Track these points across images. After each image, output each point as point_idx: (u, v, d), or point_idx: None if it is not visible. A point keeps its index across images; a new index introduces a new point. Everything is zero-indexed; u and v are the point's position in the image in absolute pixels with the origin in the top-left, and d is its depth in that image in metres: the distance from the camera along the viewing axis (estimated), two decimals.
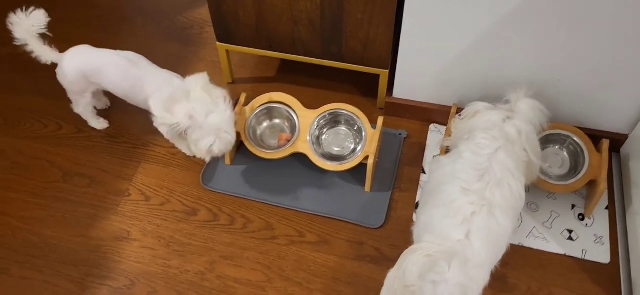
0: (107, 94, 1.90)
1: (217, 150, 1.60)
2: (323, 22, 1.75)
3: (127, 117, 1.93)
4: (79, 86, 1.73)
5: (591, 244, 1.65)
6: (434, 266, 1.19)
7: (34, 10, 1.62)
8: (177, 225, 1.69)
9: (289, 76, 2.08)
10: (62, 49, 1.71)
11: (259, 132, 1.83)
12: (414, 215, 1.72)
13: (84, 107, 1.81)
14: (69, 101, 1.87)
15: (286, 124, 1.84)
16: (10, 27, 1.62)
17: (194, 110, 1.54)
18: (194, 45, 2.18)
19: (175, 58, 2.12)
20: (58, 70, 1.71)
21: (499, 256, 1.35)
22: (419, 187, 1.78)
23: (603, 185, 1.62)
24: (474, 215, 1.30)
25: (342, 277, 1.59)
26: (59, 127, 1.92)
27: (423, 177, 1.80)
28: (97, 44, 1.75)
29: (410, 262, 1.20)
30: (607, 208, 1.73)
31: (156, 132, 1.86)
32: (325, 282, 1.58)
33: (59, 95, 1.97)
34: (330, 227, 1.69)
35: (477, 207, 1.31)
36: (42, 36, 1.66)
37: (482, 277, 1.28)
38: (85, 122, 1.89)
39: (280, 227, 1.69)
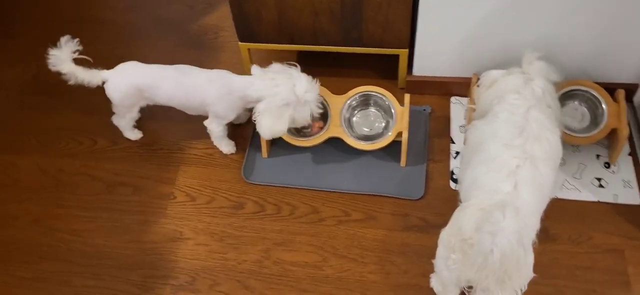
0: None
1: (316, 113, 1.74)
2: (343, 10, 1.82)
3: (158, 125, 1.98)
4: (130, 101, 1.78)
5: (620, 188, 1.75)
6: (489, 218, 1.25)
7: (64, 40, 1.68)
8: (227, 220, 1.74)
9: (308, 68, 2.10)
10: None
11: None
12: (451, 183, 1.79)
13: (127, 120, 1.86)
14: (101, 116, 1.91)
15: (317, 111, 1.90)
16: (54, 68, 1.69)
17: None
18: (212, 50, 2.23)
19: (196, 64, 2.14)
20: (108, 86, 1.75)
21: (545, 204, 1.42)
22: (450, 156, 1.86)
23: (625, 131, 1.72)
24: (519, 168, 1.37)
25: (393, 248, 1.66)
26: (93, 143, 1.95)
27: (453, 147, 1.88)
28: (120, 59, 1.80)
29: (465, 217, 1.26)
30: (630, 154, 1.83)
31: (190, 136, 1.93)
32: (378, 255, 1.64)
33: (89, 111, 2.03)
34: (374, 204, 1.75)
35: (521, 160, 1.38)
36: (82, 61, 1.73)
37: (533, 225, 1.36)
38: (119, 135, 1.94)
39: (325, 209, 1.75)
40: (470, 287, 1.34)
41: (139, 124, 1.96)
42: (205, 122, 1.79)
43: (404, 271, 1.61)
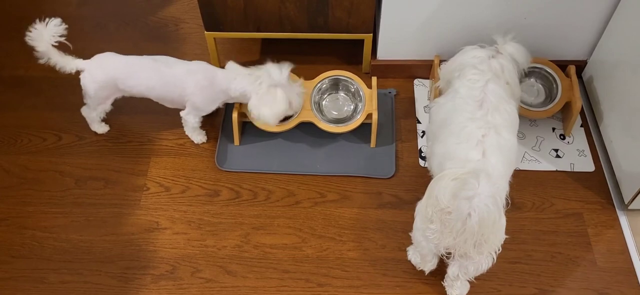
0: None
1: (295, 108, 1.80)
2: None
3: (126, 118, 1.95)
4: (106, 92, 1.74)
5: (576, 157, 1.87)
6: (464, 185, 1.30)
7: (49, 20, 1.62)
8: (203, 207, 1.74)
9: (273, 56, 2.12)
10: (40, 63, 1.70)
11: None
12: (420, 161, 1.86)
13: (98, 112, 1.82)
14: (64, 112, 1.87)
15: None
16: (31, 42, 1.63)
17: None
18: (174, 42, 2.21)
19: None
20: (84, 76, 1.71)
21: (512, 168, 1.51)
22: (418, 135, 1.93)
23: (578, 103, 1.83)
24: (485, 136, 1.45)
25: (369, 225, 1.70)
26: (58, 138, 1.90)
27: (419, 127, 1.95)
28: (79, 55, 1.74)
29: (440, 188, 1.32)
30: (582, 126, 1.95)
31: (159, 127, 1.92)
32: (356, 232, 1.69)
33: (51, 108, 1.98)
34: (347, 184, 1.80)
35: (485, 129, 1.47)
36: (62, 46, 1.68)
37: (504, 188, 1.44)
38: (85, 130, 1.90)
39: (301, 192, 1.78)
40: (449, 254, 1.40)
41: (106, 117, 1.93)
42: (182, 113, 1.79)
43: (381, 246, 1.66)
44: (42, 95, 2.01)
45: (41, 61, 1.67)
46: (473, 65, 1.63)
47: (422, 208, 1.42)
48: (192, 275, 1.60)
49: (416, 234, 1.49)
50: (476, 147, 1.44)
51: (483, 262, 1.41)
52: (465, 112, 1.53)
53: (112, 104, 1.81)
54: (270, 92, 1.69)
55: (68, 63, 1.68)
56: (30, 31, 1.62)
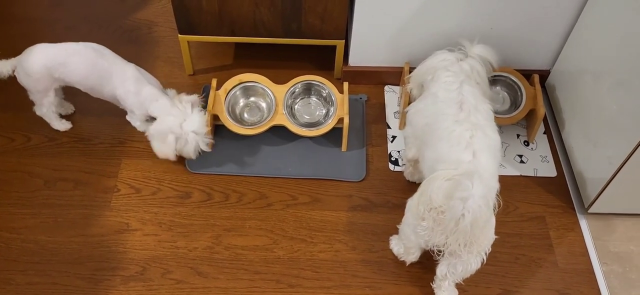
0: (70, 98, 1.91)
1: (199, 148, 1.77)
2: (283, 1, 1.87)
3: (97, 120, 1.94)
4: (42, 84, 1.72)
5: (539, 163, 1.93)
6: (458, 186, 1.32)
7: None
8: (174, 209, 1.74)
9: (247, 60, 2.18)
10: None
11: (237, 111, 1.92)
12: (390, 165, 1.90)
13: (47, 107, 1.80)
14: (33, 113, 1.85)
15: (261, 99, 1.94)
16: None
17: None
18: (147, 45, 2.21)
19: (131, 59, 2.13)
20: (19, 72, 1.69)
21: (499, 165, 1.53)
22: (388, 140, 1.97)
23: (542, 110, 1.90)
24: (473, 138, 1.47)
25: (340, 228, 1.73)
26: (27, 139, 1.88)
27: (389, 132, 1.99)
28: None
29: (434, 188, 1.34)
30: (545, 133, 2.02)
31: (131, 129, 1.92)
32: (327, 234, 1.71)
33: (18, 108, 1.95)
34: (319, 187, 1.82)
35: (472, 131, 1.48)
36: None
37: (494, 186, 1.45)
38: (55, 131, 1.88)
39: (273, 194, 1.79)
40: (439, 252, 1.42)
41: (75, 119, 1.91)
42: (127, 117, 1.80)
43: (352, 247, 1.69)
44: (10, 96, 1.98)
45: None
46: (445, 67, 1.66)
47: (414, 205, 1.44)
48: (162, 276, 1.60)
49: (406, 229, 1.52)
50: (466, 149, 1.45)
51: (472, 261, 1.43)
52: (448, 115, 1.54)
53: (77, 106, 1.79)
54: (165, 135, 1.70)
55: (4, 66, 1.67)
56: None
